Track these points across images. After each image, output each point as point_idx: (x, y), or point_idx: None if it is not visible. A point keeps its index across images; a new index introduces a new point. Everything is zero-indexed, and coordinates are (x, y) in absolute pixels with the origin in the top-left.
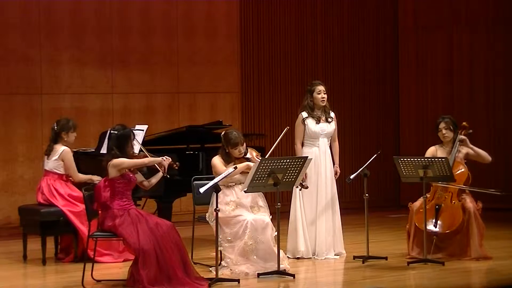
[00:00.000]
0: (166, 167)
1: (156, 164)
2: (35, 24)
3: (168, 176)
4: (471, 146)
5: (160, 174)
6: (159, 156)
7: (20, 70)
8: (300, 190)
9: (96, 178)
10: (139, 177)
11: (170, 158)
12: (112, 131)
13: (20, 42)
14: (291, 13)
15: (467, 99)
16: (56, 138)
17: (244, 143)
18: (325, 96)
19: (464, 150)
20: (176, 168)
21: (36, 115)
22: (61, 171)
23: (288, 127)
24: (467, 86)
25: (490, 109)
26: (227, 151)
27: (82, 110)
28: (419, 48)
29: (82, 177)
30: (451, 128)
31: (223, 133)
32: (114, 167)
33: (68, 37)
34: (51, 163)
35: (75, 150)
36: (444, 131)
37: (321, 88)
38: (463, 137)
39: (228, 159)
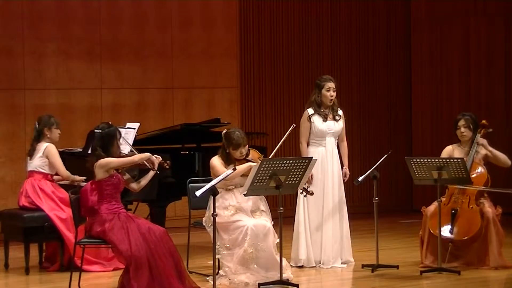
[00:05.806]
0: (156, 164)
1: (145, 161)
2: (17, 14)
3: (158, 173)
4: (490, 149)
5: (150, 174)
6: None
7: (1, 64)
8: (305, 196)
9: (79, 178)
10: (128, 179)
11: (160, 157)
12: (96, 130)
13: (1, 33)
14: (295, 1)
15: (485, 96)
16: (39, 137)
17: (247, 145)
18: (334, 94)
19: (483, 151)
20: (167, 167)
21: (19, 112)
22: (46, 170)
23: (294, 125)
24: (485, 82)
25: (510, 106)
26: (227, 151)
27: (68, 106)
28: (433, 41)
29: (69, 174)
30: (471, 126)
31: (224, 132)
32: (101, 167)
33: (54, 27)
34: (36, 162)
35: (60, 150)
36: (462, 129)
37: (331, 85)
38: (482, 140)
39: (228, 161)
